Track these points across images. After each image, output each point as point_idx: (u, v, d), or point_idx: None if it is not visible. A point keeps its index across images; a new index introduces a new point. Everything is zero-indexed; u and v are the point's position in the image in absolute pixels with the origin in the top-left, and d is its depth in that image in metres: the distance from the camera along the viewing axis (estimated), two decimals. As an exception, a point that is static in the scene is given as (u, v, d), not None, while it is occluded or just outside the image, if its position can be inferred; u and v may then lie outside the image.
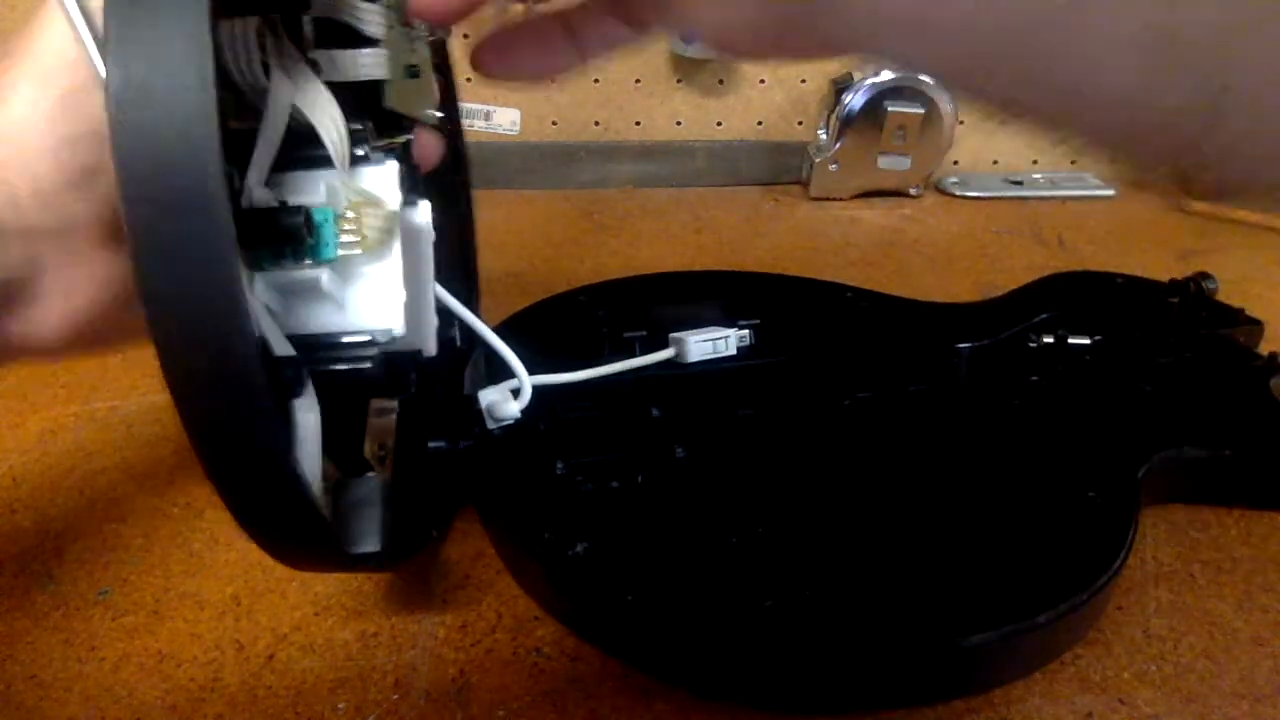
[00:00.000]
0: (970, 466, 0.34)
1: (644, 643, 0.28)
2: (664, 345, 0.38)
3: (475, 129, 0.72)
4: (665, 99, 0.72)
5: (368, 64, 0.27)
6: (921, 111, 0.66)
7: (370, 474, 0.26)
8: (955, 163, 0.76)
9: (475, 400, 0.33)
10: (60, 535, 0.32)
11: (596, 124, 0.73)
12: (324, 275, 0.24)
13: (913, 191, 0.71)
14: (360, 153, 0.26)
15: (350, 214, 0.25)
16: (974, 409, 0.35)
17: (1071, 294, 0.45)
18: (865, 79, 0.66)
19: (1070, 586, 0.27)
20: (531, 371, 0.33)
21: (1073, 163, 0.77)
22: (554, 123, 0.73)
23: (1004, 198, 0.72)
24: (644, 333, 0.40)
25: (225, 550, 0.32)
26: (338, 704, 0.26)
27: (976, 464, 0.34)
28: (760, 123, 0.74)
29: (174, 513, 0.34)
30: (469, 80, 0.77)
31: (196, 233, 0.17)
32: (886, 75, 0.65)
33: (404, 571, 0.31)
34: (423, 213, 0.29)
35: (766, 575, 0.28)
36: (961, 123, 0.71)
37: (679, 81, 0.72)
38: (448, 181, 0.38)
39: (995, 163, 0.77)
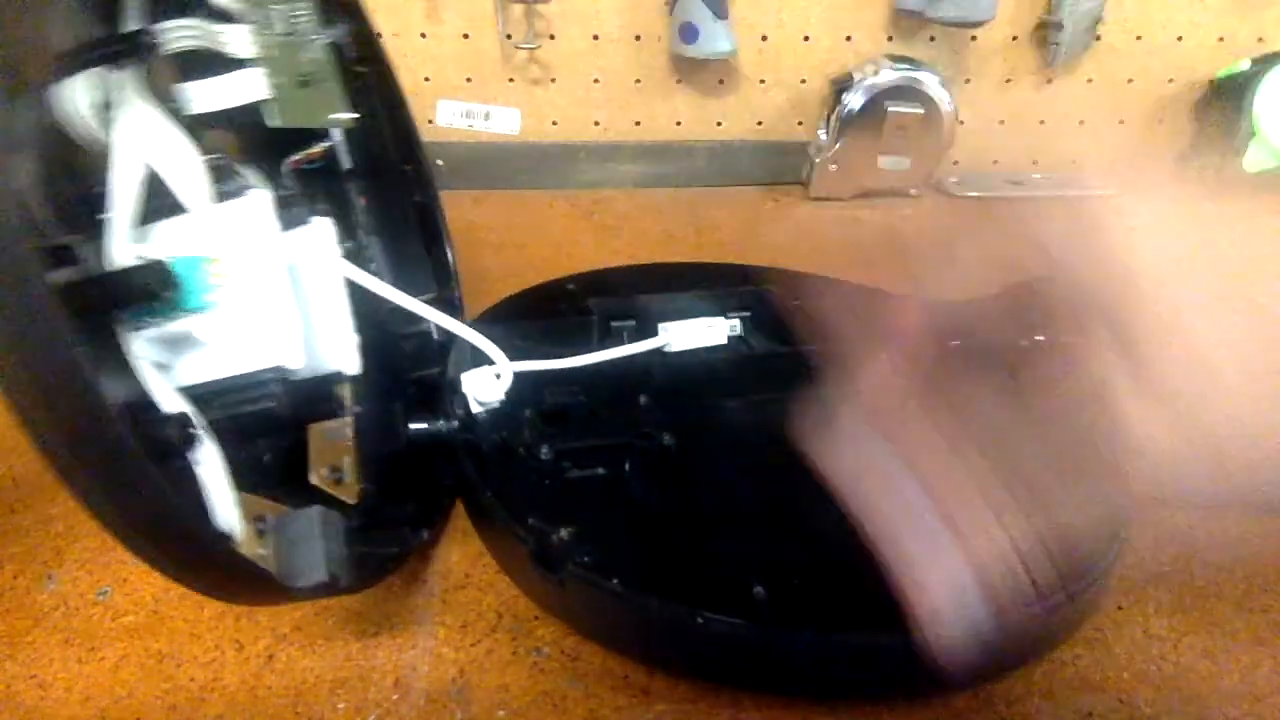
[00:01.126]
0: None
1: (629, 629, 0.28)
2: (654, 334, 0.38)
3: (475, 129, 0.72)
4: (665, 99, 0.72)
5: (235, 88, 0.26)
6: (921, 111, 0.66)
7: (310, 507, 0.26)
8: (955, 163, 0.76)
9: (458, 384, 0.33)
10: (60, 535, 0.32)
11: (596, 124, 0.73)
12: (197, 324, 0.24)
13: (913, 191, 0.71)
14: (228, 187, 0.25)
15: (219, 256, 0.24)
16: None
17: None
18: (865, 79, 0.66)
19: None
20: (518, 358, 0.33)
21: (1073, 163, 0.77)
22: (554, 123, 0.73)
23: (1004, 198, 0.72)
24: (633, 322, 0.40)
25: (225, 550, 0.32)
26: (338, 704, 0.26)
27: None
28: (760, 123, 0.74)
29: (174, 513, 0.34)
30: (469, 80, 0.77)
31: (20, 325, 0.17)
32: (886, 75, 0.65)
33: (404, 571, 0.31)
34: (319, 232, 0.28)
35: (754, 563, 0.27)
36: (961, 123, 0.71)
37: (679, 81, 0.72)
38: (399, 173, 0.37)
39: (995, 163, 0.77)
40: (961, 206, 0.70)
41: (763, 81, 0.72)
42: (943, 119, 0.66)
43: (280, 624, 0.29)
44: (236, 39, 0.27)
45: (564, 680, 0.27)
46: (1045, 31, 0.70)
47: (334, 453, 0.28)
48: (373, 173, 0.36)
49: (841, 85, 0.68)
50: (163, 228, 0.24)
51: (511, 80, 0.71)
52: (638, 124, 0.73)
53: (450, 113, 0.71)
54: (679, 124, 0.74)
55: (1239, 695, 0.27)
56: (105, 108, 0.23)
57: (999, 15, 0.67)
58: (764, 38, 0.70)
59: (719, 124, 0.74)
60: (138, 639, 0.28)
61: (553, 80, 0.71)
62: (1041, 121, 0.75)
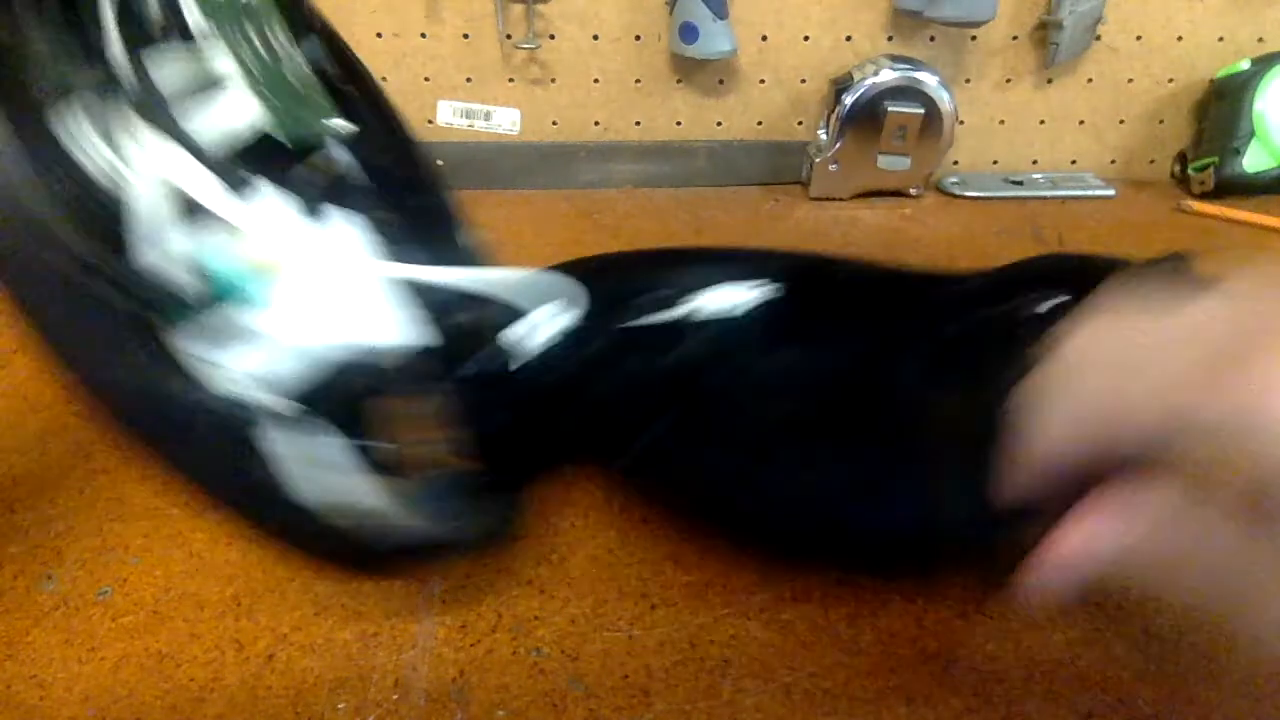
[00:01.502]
0: None
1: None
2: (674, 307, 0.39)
3: (475, 129, 0.72)
4: (665, 99, 0.72)
5: (228, 106, 0.28)
6: (921, 111, 0.66)
7: (422, 472, 0.28)
8: (955, 163, 0.76)
9: (501, 336, 0.33)
10: (60, 535, 0.32)
11: (596, 124, 0.73)
12: (258, 318, 0.25)
13: (913, 191, 0.71)
14: (247, 190, 0.27)
15: (249, 252, 0.26)
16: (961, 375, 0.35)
17: (1058, 273, 0.45)
18: (865, 79, 0.66)
19: None
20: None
21: (1073, 163, 0.77)
22: (554, 123, 0.73)
23: (1004, 198, 0.72)
24: (667, 291, 0.40)
25: (225, 550, 0.32)
26: (338, 704, 0.26)
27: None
28: (760, 123, 0.74)
29: (174, 513, 0.34)
30: (469, 80, 0.77)
31: (94, 341, 0.19)
32: (886, 75, 0.65)
33: (404, 571, 0.31)
34: (346, 222, 0.30)
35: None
36: (961, 123, 0.71)
37: (679, 81, 0.72)
38: (406, 180, 0.38)
39: (995, 163, 0.77)
40: (961, 206, 0.70)
41: (763, 81, 0.72)
42: (943, 119, 0.66)
43: (280, 624, 0.29)
44: (219, 57, 0.28)
45: (564, 680, 0.27)
46: (1045, 31, 0.70)
47: (423, 425, 0.30)
48: (384, 183, 0.36)
49: (841, 85, 0.68)
50: (191, 237, 0.25)
51: (511, 80, 0.71)
52: (638, 124, 0.73)
53: (450, 113, 0.71)
54: (679, 124, 0.74)
55: (1239, 695, 0.27)
56: (109, 135, 0.24)
57: (999, 15, 0.67)
58: (764, 38, 0.70)
59: (719, 124, 0.74)
60: (138, 639, 0.28)
61: (553, 80, 0.71)
62: (1041, 121, 0.75)
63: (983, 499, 0.26)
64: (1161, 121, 0.75)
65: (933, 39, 0.71)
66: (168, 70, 0.27)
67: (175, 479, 0.21)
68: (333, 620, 0.29)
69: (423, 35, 0.68)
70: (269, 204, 0.27)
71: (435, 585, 0.31)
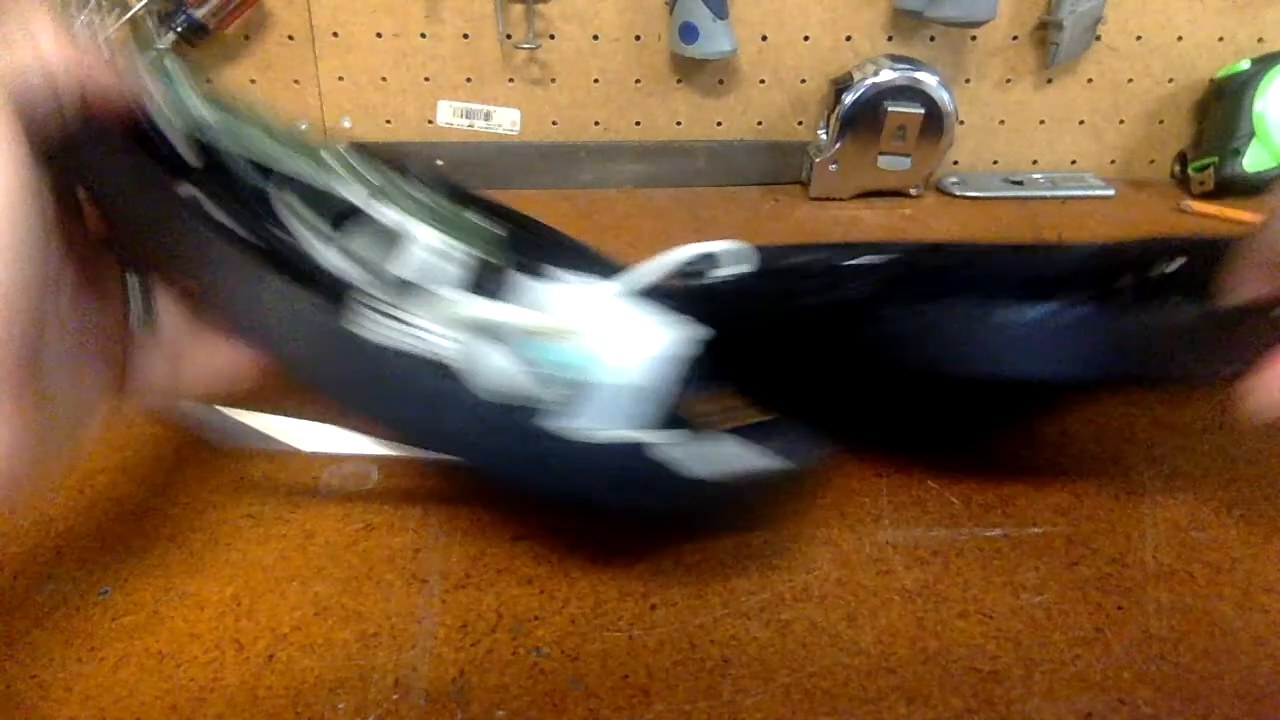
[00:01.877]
0: None
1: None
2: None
3: (475, 129, 0.72)
4: (665, 99, 0.72)
5: (430, 252, 0.32)
6: (921, 111, 0.66)
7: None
8: (955, 163, 0.76)
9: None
10: (60, 535, 0.32)
11: (596, 124, 0.73)
12: (585, 378, 0.31)
13: (913, 191, 0.71)
14: (506, 291, 0.34)
15: (554, 332, 0.31)
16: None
17: (1170, 246, 0.45)
18: (865, 79, 0.66)
19: None
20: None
21: (1073, 163, 0.77)
22: (554, 123, 0.73)
23: (1004, 198, 0.72)
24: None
25: (225, 550, 0.32)
26: (338, 704, 0.26)
27: None
28: (760, 123, 0.74)
29: (174, 513, 0.34)
30: (469, 80, 0.77)
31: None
32: (886, 75, 0.65)
33: (404, 571, 0.31)
34: (567, 281, 0.37)
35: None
36: (961, 123, 0.71)
37: (679, 81, 0.72)
38: (542, 242, 0.42)
39: (995, 163, 0.77)
40: (961, 206, 0.70)
41: (763, 81, 0.72)
42: (943, 119, 0.66)
43: (280, 624, 0.29)
44: (388, 213, 0.32)
45: (564, 680, 0.27)
46: (1045, 31, 0.70)
47: (730, 397, 0.35)
48: (533, 248, 0.40)
49: (841, 85, 0.68)
50: (509, 351, 0.31)
51: (511, 80, 0.71)
52: (638, 124, 0.73)
53: (450, 113, 0.71)
54: (679, 124, 0.74)
55: (1239, 695, 0.27)
56: (395, 317, 0.29)
57: (999, 15, 0.67)
58: (764, 38, 0.70)
59: (719, 124, 0.74)
60: (138, 639, 0.28)
61: (553, 80, 0.71)
62: (1041, 121, 0.75)
63: (1210, 301, 0.28)
64: (1161, 121, 0.75)
65: (933, 39, 0.71)
66: (362, 244, 0.31)
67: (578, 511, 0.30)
68: (333, 620, 0.29)
69: (423, 35, 0.68)
70: (529, 291, 0.33)
71: (435, 585, 0.31)
